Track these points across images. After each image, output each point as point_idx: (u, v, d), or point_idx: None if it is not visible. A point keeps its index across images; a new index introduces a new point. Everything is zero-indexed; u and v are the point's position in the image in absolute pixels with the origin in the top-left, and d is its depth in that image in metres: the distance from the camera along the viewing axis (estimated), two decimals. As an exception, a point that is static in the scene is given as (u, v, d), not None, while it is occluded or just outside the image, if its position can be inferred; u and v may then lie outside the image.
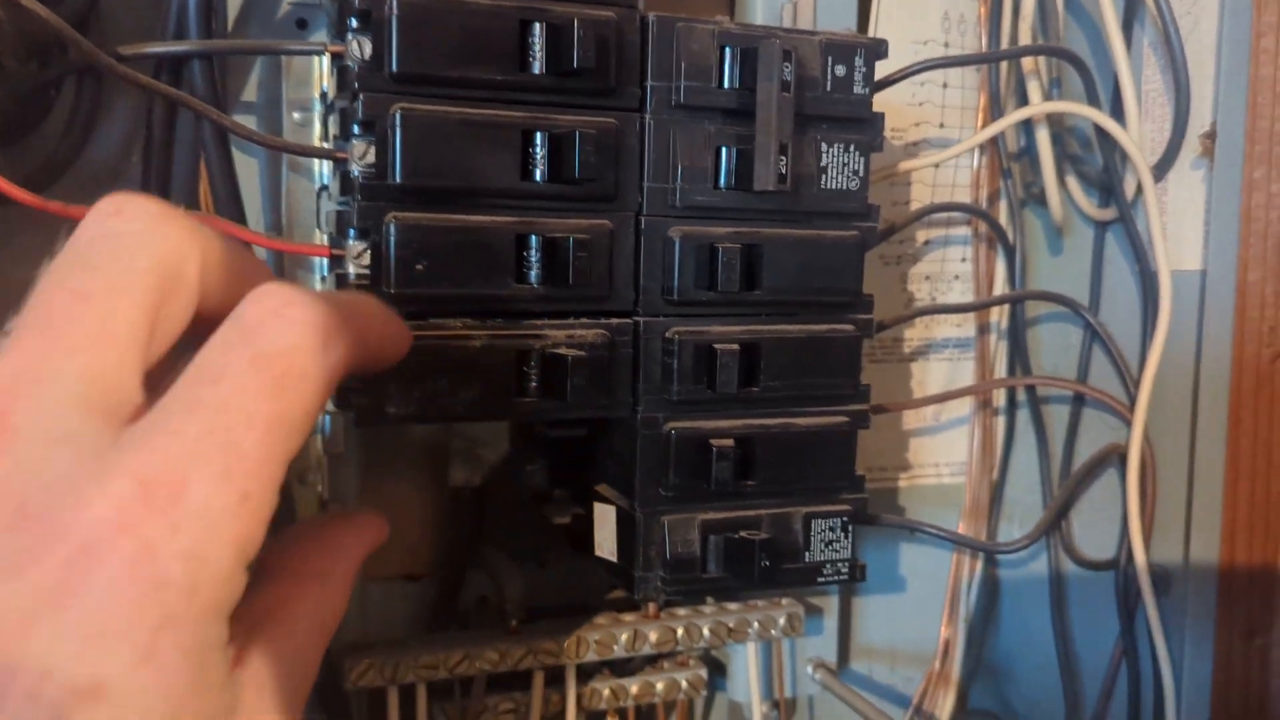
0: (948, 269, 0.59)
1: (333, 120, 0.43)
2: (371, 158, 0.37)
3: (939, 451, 0.61)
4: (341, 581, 0.28)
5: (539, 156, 0.38)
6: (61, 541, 0.21)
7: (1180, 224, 0.51)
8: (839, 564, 0.45)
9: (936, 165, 0.57)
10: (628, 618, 0.49)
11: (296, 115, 0.45)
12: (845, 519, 0.44)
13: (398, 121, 0.37)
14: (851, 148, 0.43)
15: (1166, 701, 0.51)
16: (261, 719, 0.23)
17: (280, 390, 0.23)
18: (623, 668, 0.51)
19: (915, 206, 0.57)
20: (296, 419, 0.23)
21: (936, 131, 0.56)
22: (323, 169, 0.45)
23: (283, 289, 0.24)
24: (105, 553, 0.20)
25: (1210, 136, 0.49)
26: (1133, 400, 0.52)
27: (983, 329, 0.59)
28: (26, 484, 0.21)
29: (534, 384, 0.39)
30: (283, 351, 0.23)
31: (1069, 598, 0.58)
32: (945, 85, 0.56)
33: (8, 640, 0.20)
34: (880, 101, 0.43)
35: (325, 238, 0.44)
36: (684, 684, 0.51)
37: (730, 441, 0.42)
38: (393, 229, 0.37)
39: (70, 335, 0.22)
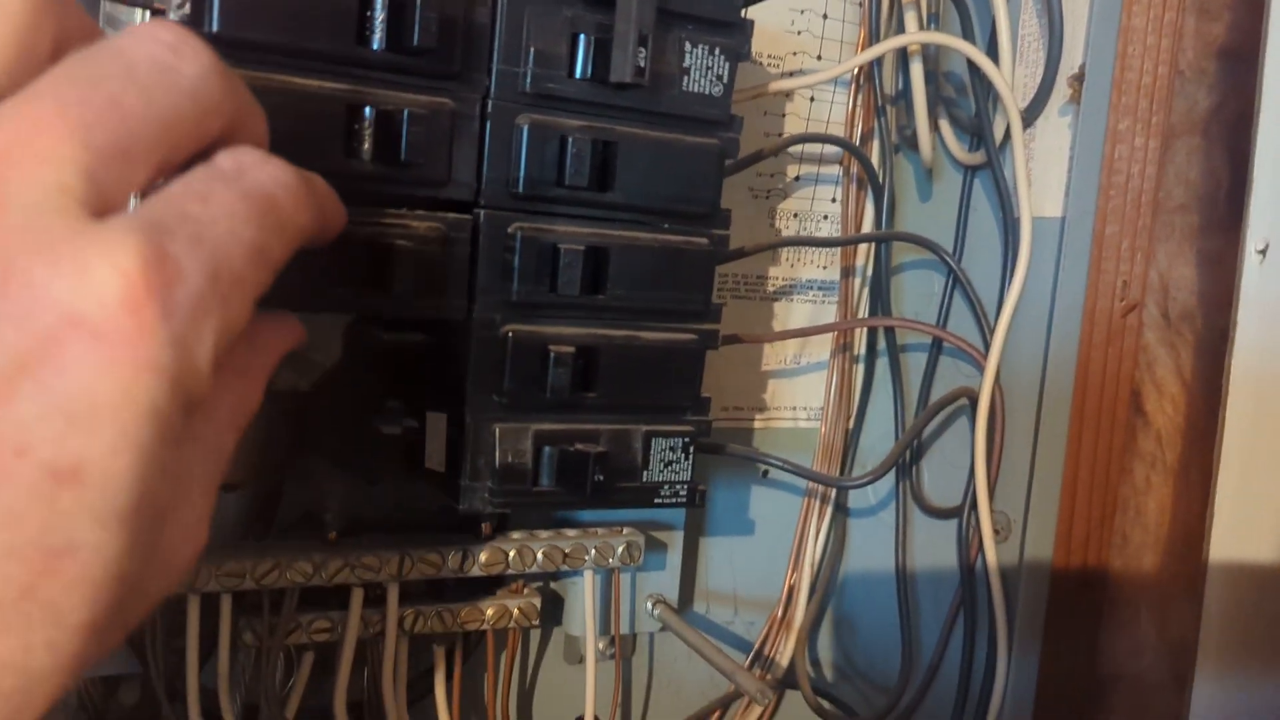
0: (817, 208, 0.58)
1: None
2: (189, 7, 0.34)
3: (797, 395, 0.59)
4: (258, 376, 0.28)
5: (377, 21, 0.35)
6: (51, 311, 0.19)
7: (1046, 170, 0.51)
8: (678, 486, 0.43)
9: (812, 96, 0.56)
10: (458, 538, 0.46)
11: (117, -36, 0.41)
12: (687, 440, 0.43)
13: (216, -37, 0.33)
14: (717, 51, 0.41)
15: (999, 653, 0.51)
16: (185, 506, 0.24)
17: (263, 223, 0.24)
18: (452, 592, 0.49)
19: (788, 140, 0.55)
20: (273, 257, 0.24)
21: (814, 63, 0.55)
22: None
23: (260, 151, 0.25)
24: (104, 328, 0.19)
25: (1079, 79, 0.49)
26: (988, 347, 0.52)
27: (847, 272, 0.58)
28: (14, 245, 0.19)
29: (357, 275, 0.36)
30: (266, 194, 0.24)
31: (915, 547, 0.58)
32: (825, 16, 0.55)
33: None
34: (758, 24, 0.42)
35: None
36: (515, 611, 0.49)
37: (571, 349, 0.40)
38: (206, 82, 0.33)
39: (91, 134, 0.21)
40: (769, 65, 0.54)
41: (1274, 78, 0.44)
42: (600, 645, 0.52)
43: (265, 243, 0.24)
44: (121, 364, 0.20)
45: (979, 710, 0.52)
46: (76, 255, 0.19)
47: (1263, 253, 0.44)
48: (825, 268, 0.59)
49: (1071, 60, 0.50)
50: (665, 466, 0.43)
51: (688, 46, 0.40)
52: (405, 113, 0.35)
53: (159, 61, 0.23)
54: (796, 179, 0.57)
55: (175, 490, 0.23)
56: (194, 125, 0.23)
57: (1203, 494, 0.48)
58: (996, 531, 0.52)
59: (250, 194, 0.24)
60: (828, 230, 0.58)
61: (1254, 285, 0.44)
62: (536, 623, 0.50)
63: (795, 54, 0.55)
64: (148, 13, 0.38)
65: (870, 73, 0.55)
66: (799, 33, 0.54)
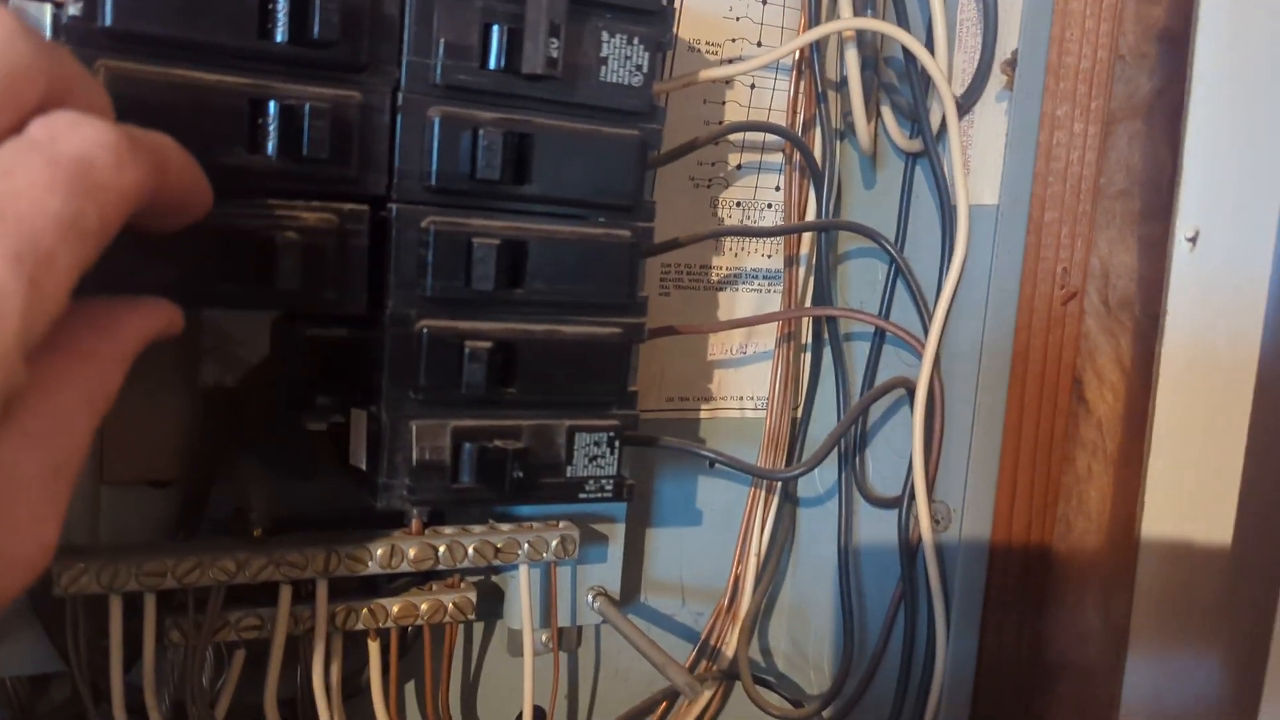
0: (760, 196, 0.57)
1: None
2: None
3: (743, 384, 0.59)
4: (111, 361, 0.26)
5: (279, 13, 0.35)
6: None
7: (983, 157, 0.50)
8: (603, 481, 0.43)
9: (752, 83, 0.55)
10: (388, 534, 0.46)
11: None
12: (612, 435, 0.42)
13: (108, -47, 0.33)
14: (636, 40, 0.40)
15: (938, 642, 0.51)
16: (18, 503, 0.23)
17: (74, 192, 0.22)
18: (387, 588, 0.48)
19: (729, 129, 0.55)
20: (91, 226, 0.23)
21: (753, 50, 0.54)
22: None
23: (76, 113, 0.24)
24: None
25: (1011, 65, 0.48)
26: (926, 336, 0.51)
27: (791, 261, 0.58)
28: None
29: (243, 269, 0.35)
30: (77, 157, 0.23)
31: (860, 536, 0.58)
32: (765, 2, 0.54)
33: None
34: (694, 11, 0.41)
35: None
36: (450, 606, 0.48)
37: (487, 344, 0.40)
38: (102, 78, 0.33)
39: None
40: (707, 53, 0.53)
41: (1205, 63, 0.44)
42: (542, 638, 0.52)
43: (79, 211, 0.22)
44: None
45: (919, 697, 0.52)
46: None
47: (1192, 240, 0.43)
48: (770, 257, 0.58)
49: (1006, 45, 0.49)
50: (590, 461, 0.42)
51: (605, 36, 0.40)
52: (307, 107, 0.35)
53: None
54: (739, 168, 0.56)
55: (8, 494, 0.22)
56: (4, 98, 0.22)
57: (1140, 481, 0.48)
58: (936, 521, 0.51)
59: (59, 160, 0.22)
60: (771, 219, 0.58)
61: (1183, 273, 0.44)
62: (473, 617, 0.49)
63: (734, 40, 0.54)
64: (49, 6, 0.38)
65: (810, 60, 0.54)
66: (737, 19, 0.54)
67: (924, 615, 0.53)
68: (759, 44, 0.55)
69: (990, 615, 0.52)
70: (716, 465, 0.58)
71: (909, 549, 0.52)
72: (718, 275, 0.57)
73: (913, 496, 0.51)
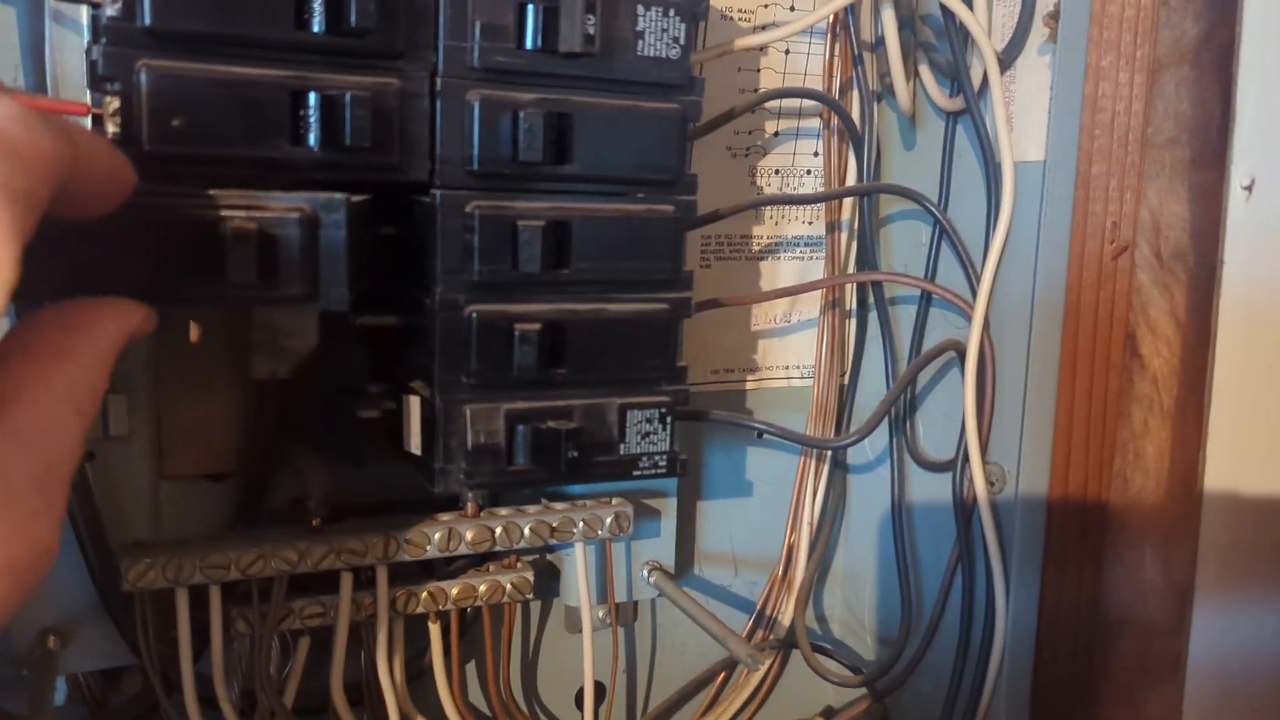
0: (799, 163, 0.57)
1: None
2: (122, 1, 0.33)
3: (789, 353, 0.59)
4: (92, 360, 0.27)
5: (315, 3, 0.35)
6: None
7: (1026, 113, 0.49)
8: (656, 457, 0.43)
9: (787, 49, 0.54)
10: (444, 517, 0.46)
11: (58, -41, 0.40)
12: (664, 410, 0.42)
13: (144, -47, 0.33)
14: (671, 12, 0.40)
15: (997, 603, 0.51)
16: (10, 507, 0.23)
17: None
18: (445, 570, 0.49)
19: (765, 95, 0.54)
20: (16, 191, 0.22)
21: (786, 15, 0.54)
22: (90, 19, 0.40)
23: None
24: None
25: (1054, 16, 0.47)
26: (976, 297, 0.51)
27: (832, 226, 0.57)
28: None
29: (201, 266, 0.34)
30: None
31: (912, 501, 0.57)
32: (796, -35, 0.53)
33: None
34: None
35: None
36: (508, 586, 0.49)
37: (536, 326, 0.39)
38: (143, 78, 0.33)
39: None
40: (740, 20, 0.53)
41: (1255, 4, 0.42)
42: (600, 614, 0.52)
43: (6, 174, 0.22)
44: None
45: (980, 658, 0.52)
46: None
47: (1248, 188, 0.43)
48: (810, 223, 0.58)
49: (1047, -3, 0.48)
50: (643, 438, 0.42)
51: (640, 9, 0.39)
52: (348, 96, 0.35)
53: None
54: (776, 135, 0.56)
55: None
56: None
57: (1200, 434, 0.47)
58: (991, 483, 0.51)
59: None
60: (811, 185, 0.57)
61: (1239, 222, 0.43)
62: (531, 596, 0.50)
63: (766, 6, 0.53)
64: (87, 7, 0.38)
65: (845, 21, 0.54)
66: (769, -16, 0.53)
67: (981, 577, 0.52)
68: (791, 8, 0.54)
69: (1049, 574, 0.52)
70: (764, 435, 0.58)
71: (964, 511, 0.52)
72: (758, 245, 0.57)
73: (966, 459, 0.51)
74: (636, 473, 0.42)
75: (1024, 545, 0.51)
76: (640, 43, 0.39)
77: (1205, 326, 0.47)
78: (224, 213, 0.33)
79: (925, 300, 0.55)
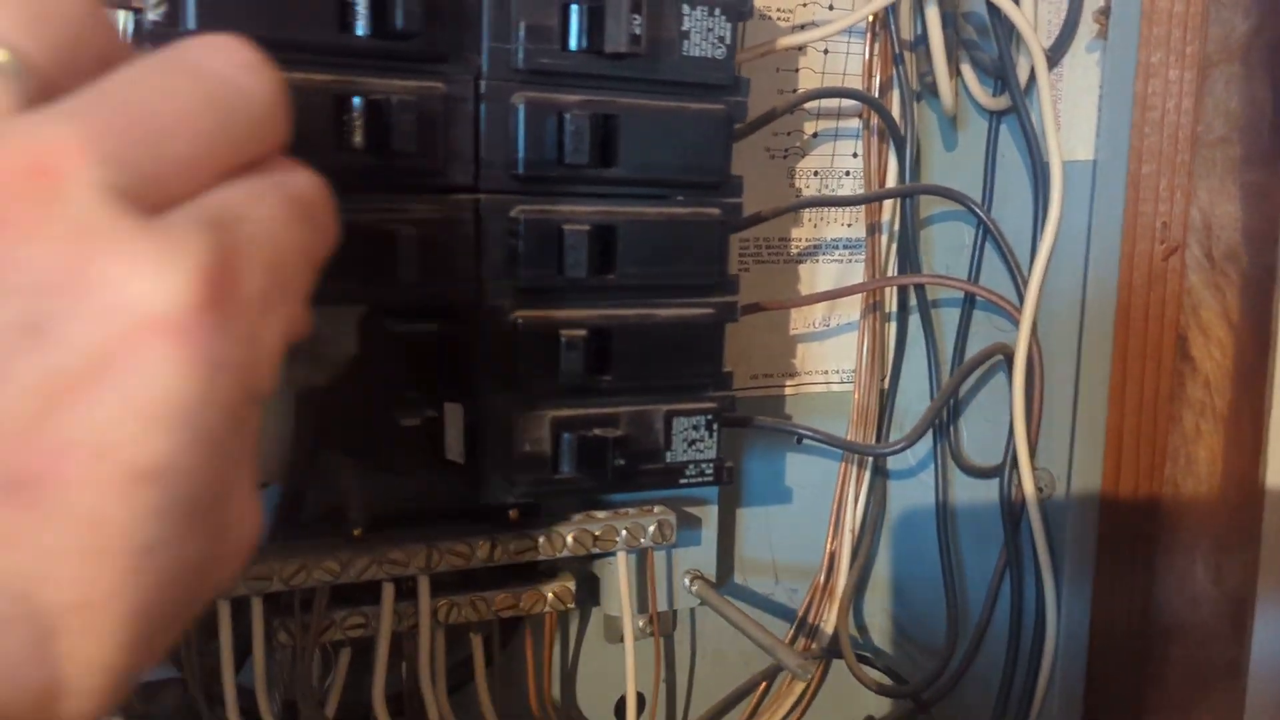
0: (839, 164, 0.56)
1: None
2: (165, 5, 0.33)
3: (828, 358, 0.58)
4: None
5: (360, 7, 0.34)
6: (126, 309, 0.19)
7: (1075, 111, 0.48)
8: (703, 465, 0.42)
9: (826, 48, 0.54)
10: (486, 526, 0.46)
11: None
12: (710, 418, 0.42)
13: (188, -42, 0.32)
14: (717, 11, 0.39)
15: (1048, 611, 0.50)
16: (240, 491, 0.22)
17: (306, 225, 0.23)
18: (486, 580, 0.48)
19: (804, 96, 0.53)
20: (316, 257, 0.24)
21: (825, 14, 0.53)
22: (128, 27, 0.40)
23: (292, 159, 0.24)
24: (180, 326, 0.19)
25: (1105, 13, 0.46)
26: (1022, 300, 0.50)
27: (873, 228, 0.56)
28: (84, 242, 0.19)
29: (361, 264, 0.35)
30: (308, 196, 0.24)
31: (957, 507, 0.57)
32: (836, -36, 0.53)
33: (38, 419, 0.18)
34: (763, -26, 0.40)
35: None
36: (550, 596, 0.48)
37: (582, 332, 0.39)
38: (188, 84, 0.33)
39: (157, 144, 0.21)
40: (778, 19, 0.52)
41: (1314, -2, 0.41)
42: (640, 624, 0.52)
43: (311, 243, 0.24)
44: (197, 363, 0.19)
45: (1030, 665, 0.51)
46: (149, 252, 0.19)
47: (1308, 186, 0.41)
48: (850, 225, 0.57)
49: (1096, -10, 0.47)
50: (689, 446, 0.42)
51: (685, 9, 0.39)
52: (393, 100, 0.34)
53: (232, 81, 0.23)
54: (815, 136, 0.55)
55: (236, 477, 0.23)
56: (256, 145, 0.23)
57: (1255, 439, 0.46)
58: (1040, 489, 0.50)
59: (295, 197, 0.23)
60: (850, 186, 0.56)
61: (1300, 220, 0.42)
62: (572, 605, 0.49)
63: (805, 5, 0.53)
64: (129, 12, 0.37)
65: (885, 20, 0.53)
66: (809, -17, 0.52)
67: (1030, 584, 0.51)
68: (830, 7, 0.53)
69: (1100, 581, 0.51)
70: (804, 441, 0.57)
71: (1012, 517, 0.51)
72: (797, 247, 0.56)
73: (1014, 464, 0.50)
74: (683, 481, 0.42)
75: (1075, 552, 0.50)
76: (685, 43, 0.39)
77: (1262, 328, 0.46)
78: (378, 215, 0.35)
79: (969, 303, 0.54)
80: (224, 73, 0.23)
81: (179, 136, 0.21)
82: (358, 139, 0.35)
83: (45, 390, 0.18)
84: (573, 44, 0.37)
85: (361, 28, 0.34)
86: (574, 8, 0.37)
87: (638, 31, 0.37)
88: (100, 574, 0.19)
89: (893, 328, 0.58)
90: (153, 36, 0.33)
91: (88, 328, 0.19)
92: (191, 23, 0.33)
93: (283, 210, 0.23)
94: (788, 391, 0.58)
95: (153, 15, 0.33)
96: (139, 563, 0.20)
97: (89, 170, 0.19)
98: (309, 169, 0.25)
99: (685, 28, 0.39)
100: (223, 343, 0.20)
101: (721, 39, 0.39)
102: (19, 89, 0.20)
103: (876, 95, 0.54)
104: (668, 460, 0.41)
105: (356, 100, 0.35)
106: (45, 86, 0.20)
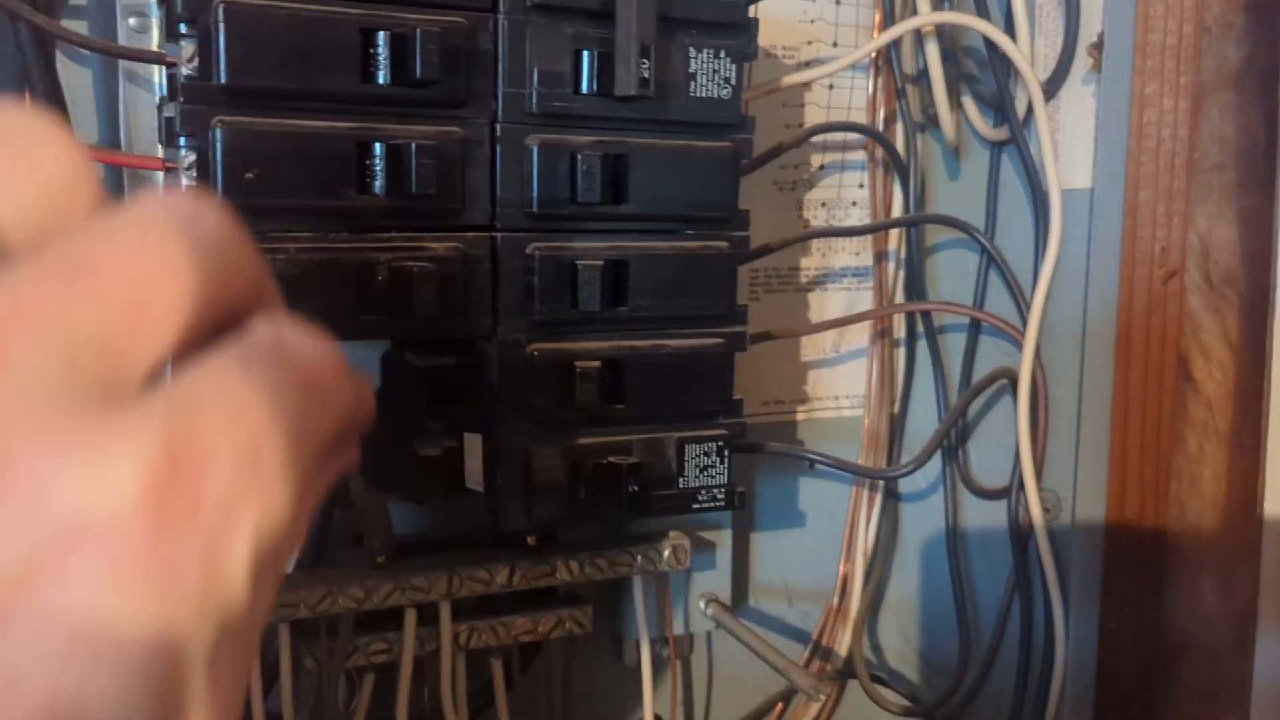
0: (845, 195, 0.57)
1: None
2: (198, 60, 0.35)
3: (838, 384, 0.59)
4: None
5: (380, 57, 0.36)
6: (56, 512, 0.16)
7: (1072, 141, 0.50)
8: (715, 490, 0.43)
9: (830, 84, 0.55)
10: (505, 553, 0.47)
11: (132, 21, 0.42)
12: (721, 444, 0.43)
13: (220, 15, 0.34)
14: (723, 54, 0.41)
15: (1056, 629, 0.51)
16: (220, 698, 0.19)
17: (308, 400, 0.19)
18: (506, 605, 0.49)
19: (810, 130, 0.55)
20: (320, 439, 0.20)
21: (829, 50, 0.55)
22: (164, 79, 0.42)
23: (295, 322, 0.21)
24: (115, 535, 0.16)
25: (1098, 47, 0.48)
26: (1026, 325, 0.51)
27: (880, 257, 0.58)
28: (16, 430, 0.16)
29: (382, 301, 0.37)
30: (310, 367, 0.20)
31: (967, 529, 0.57)
32: (839, 2, 0.54)
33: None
34: (770, 16, 0.42)
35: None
36: (568, 620, 0.49)
37: (596, 363, 0.40)
38: (219, 134, 0.35)
39: (105, 304, 0.18)
40: (784, 57, 0.54)
41: (1301, 30, 0.43)
42: (655, 646, 0.53)
43: (312, 422, 0.19)
44: (132, 581, 0.16)
45: (1040, 685, 0.52)
46: (89, 443, 0.16)
47: (1299, 211, 0.43)
48: (858, 254, 0.58)
49: (1090, 28, 0.49)
50: (701, 471, 0.43)
51: (691, 52, 0.40)
52: (413, 146, 0.36)
53: (183, 222, 0.19)
54: (821, 168, 0.56)
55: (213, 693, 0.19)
56: (236, 299, 0.20)
57: (1258, 457, 0.47)
58: (1046, 510, 0.51)
59: (292, 368, 0.19)
60: (857, 216, 0.58)
61: (1293, 245, 0.43)
62: (590, 629, 0.50)
63: (810, 43, 0.54)
64: (163, 68, 0.39)
65: (888, 55, 0.54)
66: (812, 21, 0.54)
67: (1039, 604, 0.52)
68: (834, 44, 0.55)
69: (1108, 600, 0.51)
70: (817, 466, 0.58)
71: (1020, 538, 0.52)
72: (806, 276, 0.57)
73: (1021, 486, 0.51)
74: (696, 506, 0.43)
75: (1082, 572, 0.51)
76: (692, 84, 0.40)
77: (1260, 349, 0.47)
78: (398, 254, 0.36)
79: (975, 329, 0.56)
80: (168, 215, 0.19)
81: (126, 290, 0.17)
82: (379, 182, 0.36)
83: None
84: (584, 88, 0.39)
85: (382, 77, 0.36)
86: (585, 53, 0.39)
87: (646, 75, 0.38)
88: None
89: (901, 353, 0.59)
90: (186, 91, 0.34)
91: (10, 533, 0.16)
92: (224, 76, 0.34)
93: (277, 382, 0.19)
94: (799, 417, 0.59)
95: (186, 70, 0.35)
96: None
97: (31, 343, 0.16)
98: (321, 337, 0.21)
99: (692, 70, 0.40)
100: (167, 557, 0.16)
101: (727, 80, 0.41)
102: None
103: (881, 128, 0.56)
104: (681, 486, 0.43)
105: (378, 146, 0.36)
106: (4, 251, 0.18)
